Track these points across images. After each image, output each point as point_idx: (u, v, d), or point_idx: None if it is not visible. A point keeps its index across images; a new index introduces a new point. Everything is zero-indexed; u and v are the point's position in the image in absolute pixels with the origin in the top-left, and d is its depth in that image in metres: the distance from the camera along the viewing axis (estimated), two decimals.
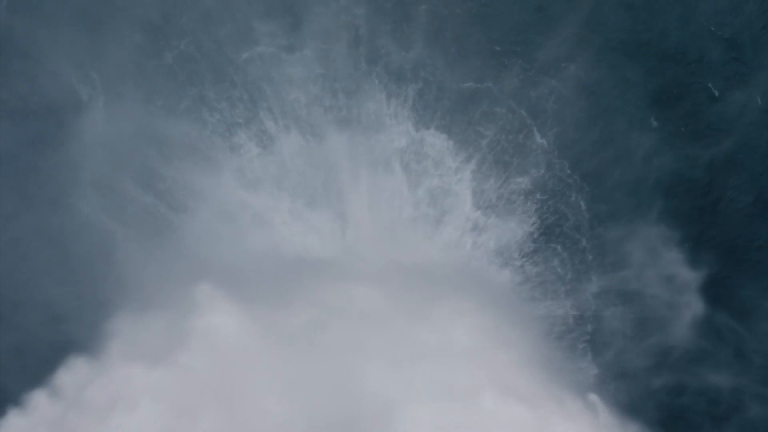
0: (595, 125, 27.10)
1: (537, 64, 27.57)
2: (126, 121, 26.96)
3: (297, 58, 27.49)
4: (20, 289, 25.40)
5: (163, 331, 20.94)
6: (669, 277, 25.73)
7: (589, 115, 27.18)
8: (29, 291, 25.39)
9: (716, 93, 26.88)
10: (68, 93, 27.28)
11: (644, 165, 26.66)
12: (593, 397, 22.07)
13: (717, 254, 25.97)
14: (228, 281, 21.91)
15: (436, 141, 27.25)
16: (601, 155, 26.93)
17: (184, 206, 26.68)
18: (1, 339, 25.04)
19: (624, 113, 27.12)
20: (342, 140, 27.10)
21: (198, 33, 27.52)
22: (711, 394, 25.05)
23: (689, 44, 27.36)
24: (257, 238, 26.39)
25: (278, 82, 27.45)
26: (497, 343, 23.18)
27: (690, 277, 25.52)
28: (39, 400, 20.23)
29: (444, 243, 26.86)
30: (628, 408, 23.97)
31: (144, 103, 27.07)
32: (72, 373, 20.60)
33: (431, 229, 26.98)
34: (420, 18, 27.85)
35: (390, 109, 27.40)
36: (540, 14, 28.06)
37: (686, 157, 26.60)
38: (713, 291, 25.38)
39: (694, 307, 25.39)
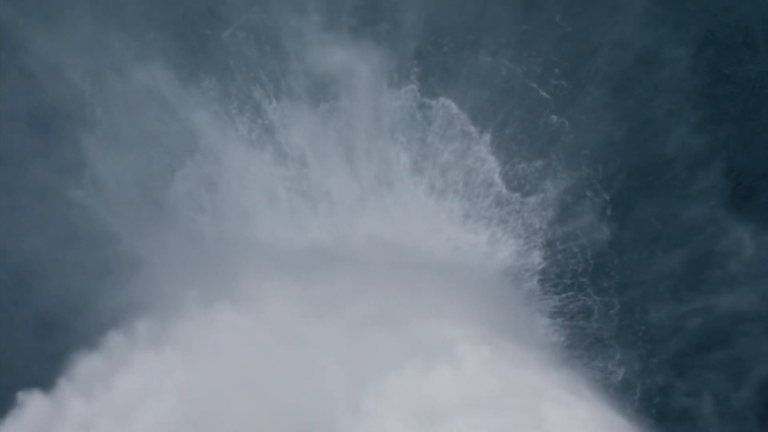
0: (613, 106, 26.00)
1: (552, 42, 26.52)
2: (126, 112, 27.10)
3: (289, 31, 26.84)
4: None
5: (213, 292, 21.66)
6: (702, 267, 24.68)
7: (608, 97, 26.08)
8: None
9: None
10: (70, 87, 27.32)
11: (665, 147, 25.51)
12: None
13: (755, 243, 24.63)
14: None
15: (445, 115, 26.28)
16: (620, 137, 25.79)
17: (180, 194, 26.62)
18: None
19: (640, 98, 26.05)
20: (341, 111, 26.42)
21: (191, 13, 27.39)
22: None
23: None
24: (254, 222, 26.22)
25: (271, 56, 27.00)
26: (513, 339, 22.38)
27: (731, 267, 24.50)
28: (114, 340, 20.60)
29: (451, 226, 25.97)
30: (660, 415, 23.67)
31: (141, 91, 26.99)
32: (146, 321, 21.14)
33: (437, 213, 26.14)
34: None
35: (394, 83, 26.56)
36: None
37: (709, 137, 25.38)
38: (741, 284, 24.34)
39: (728, 299, 24.34)
